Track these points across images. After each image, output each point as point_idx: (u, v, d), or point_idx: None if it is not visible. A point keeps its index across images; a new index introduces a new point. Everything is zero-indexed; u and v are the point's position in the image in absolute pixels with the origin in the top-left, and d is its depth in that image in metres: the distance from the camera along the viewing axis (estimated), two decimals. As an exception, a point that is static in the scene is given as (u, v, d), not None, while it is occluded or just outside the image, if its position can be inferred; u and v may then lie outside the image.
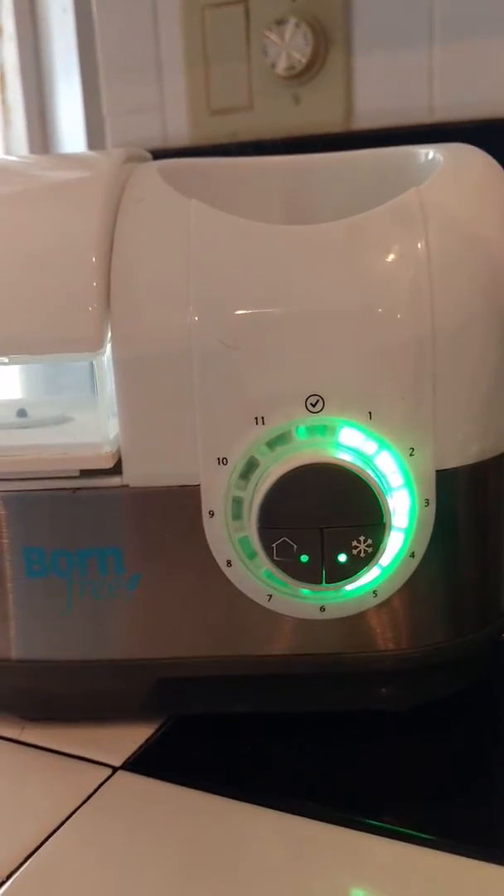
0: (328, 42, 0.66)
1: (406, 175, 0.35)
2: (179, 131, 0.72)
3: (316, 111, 0.67)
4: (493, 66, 0.60)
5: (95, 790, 0.32)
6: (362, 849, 0.28)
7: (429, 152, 0.36)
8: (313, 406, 0.30)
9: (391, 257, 0.30)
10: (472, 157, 0.34)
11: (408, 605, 0.32)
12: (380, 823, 0.29)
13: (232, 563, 0.32)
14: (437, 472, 0.31)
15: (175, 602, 0.33)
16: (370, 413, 0.30)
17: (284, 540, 0.30)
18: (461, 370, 0.31)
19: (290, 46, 0.66)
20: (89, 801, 0.31)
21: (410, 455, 0.30)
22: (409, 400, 0.30)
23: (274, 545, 0.30)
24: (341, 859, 0.28)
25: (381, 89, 0.65)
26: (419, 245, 0.30)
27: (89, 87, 0.73)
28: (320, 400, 0.30)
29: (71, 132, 0.75)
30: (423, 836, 0.28)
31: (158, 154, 0.42)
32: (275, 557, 0.30)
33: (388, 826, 0.29)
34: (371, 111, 0.66)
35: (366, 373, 0.30)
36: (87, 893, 0.27)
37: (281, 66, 0.66)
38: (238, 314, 0.30)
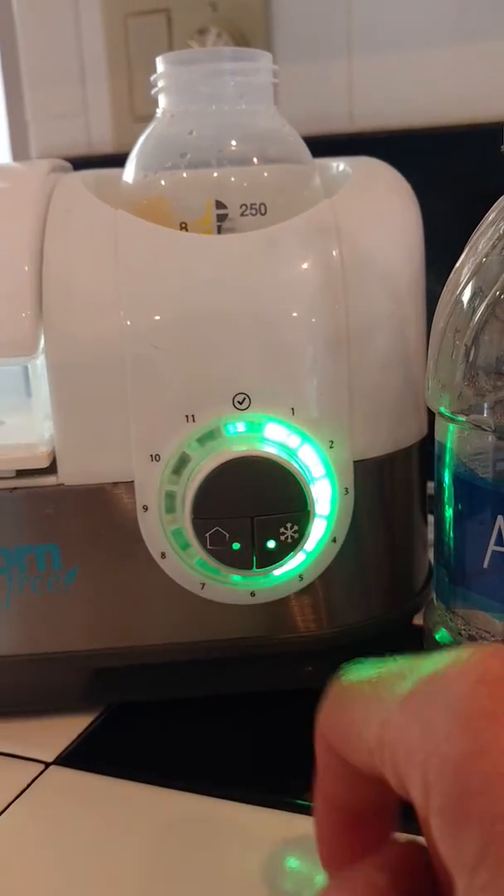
0: (248, 52, 0.67)
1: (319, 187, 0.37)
2: (103, 137, 0.72)
3: (238, 119, 0.69)
4: (409, 77, 0.63)
5: (27, 787, 0.32)
6: (294, 828, 0.29)
7: (339, 164, 0.38)
8: (240, 404, 0.32)
9: (307, 265, 0.32)
10: (378, 170, 0.37)
11: (330, 588, 0.34)
12: (309, 804, 0.31)
13: (166, 554, 0.33)
14: (355, 462, 0.33)
15: (111, 594, 0.34)
16: (293, 409, 0.32)
17: (217, 530, 0.31)
18: (374, 368, 0.33)
19: (212, 56, 0.67)
20: (21, 797, 0.31)
21: (330, 447, 0.33)
22: (327, 397, 0.32)
23: (207, 535, 0.31)
24: (276, 839, 0.29)
25: (301, 98, 0.67)
26: (334, 253, 0.32)
27: (12, 91, 0.73)
28: (247, 398, 0.32)
29: (-5, 137, 0.75)
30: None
31: (83, 160, 0.43)
32: (208, 547, 0.32)
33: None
34: (291, 120, 0.68)
35: (287, 372, 0.32)
36: (22, 890, 0.27)
37: (203, 74, 0.67)
38: (167, 318, 0.32)
